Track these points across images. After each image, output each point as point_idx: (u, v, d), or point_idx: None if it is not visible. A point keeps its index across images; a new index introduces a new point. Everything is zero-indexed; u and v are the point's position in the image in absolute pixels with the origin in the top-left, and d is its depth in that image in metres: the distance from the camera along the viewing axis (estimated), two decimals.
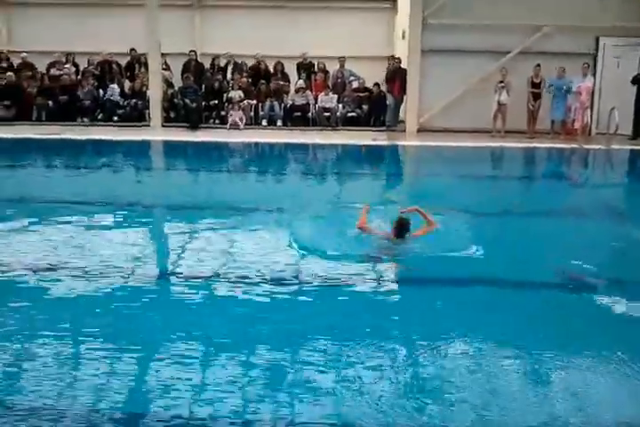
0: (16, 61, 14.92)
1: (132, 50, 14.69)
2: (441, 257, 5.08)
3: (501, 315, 4.05)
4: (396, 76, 13.61)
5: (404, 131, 13.39)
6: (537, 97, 12.99)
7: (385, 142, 12.43)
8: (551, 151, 12.07)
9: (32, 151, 11.80)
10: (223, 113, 13.88)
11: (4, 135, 12.42)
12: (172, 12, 14.97)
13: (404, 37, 14.24)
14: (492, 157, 12.14)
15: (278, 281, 4.52)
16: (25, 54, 14.74)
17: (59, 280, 4.57)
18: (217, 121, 13.96)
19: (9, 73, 14.05)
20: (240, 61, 14.82)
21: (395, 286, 4.71)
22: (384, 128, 13.52)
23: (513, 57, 13.32)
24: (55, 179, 9.23)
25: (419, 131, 13.35)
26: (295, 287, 4.49)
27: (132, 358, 3.43)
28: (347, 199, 7.33)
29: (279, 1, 15.94)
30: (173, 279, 4.74)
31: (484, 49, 13.26)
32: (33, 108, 13.84)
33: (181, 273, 4.80)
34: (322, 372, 3.27)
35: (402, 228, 5.15)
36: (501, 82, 13.01)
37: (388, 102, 13.80)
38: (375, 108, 13.86)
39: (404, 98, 13.62)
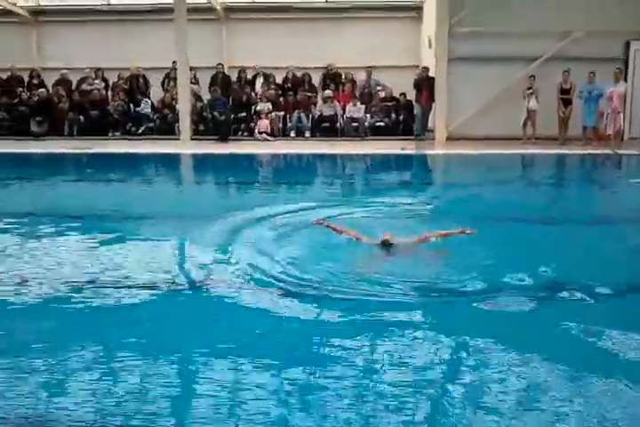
0: (48, 78, 15.22)
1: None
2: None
3: None
4: (424, 84, 13.58)
5: (433, 139, 13.34)
6: (567, 103, 12.85)
7: (414, 151, 12.39)
8: (584, 158, 11.89)
9: (64, 166, 11.99)
10: (252, 125, 13.97)
11: (38, 150, 12.67)
12: (200, 25, 15.15)
13: (430, 46, 14.23)
14: (525, 165, 12.00)
15: None
16: (65, 71, 14.99)
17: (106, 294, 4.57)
18: (246, 133, 14.06)
19: (41, 89, 14.35)
20: (268, 73, 14.92)
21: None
22: (412, 137, 13.48)
23: (542, 63, 13.23)
24: (89, 192, 9.31)
25: (447, 139, 13.29)
26: None
27: None
28: (384, 210, 7.27)
29: (305, 13, 16.07)
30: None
31: (512, 56, 13.17)
32: (65, 123, 14.08)
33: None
34: None
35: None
36: (530, 88, 12.91)
37: (415, 111, 13.78)
38: (403, 117, 13.84)
39: (432, 106, 13.58)
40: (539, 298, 4.20)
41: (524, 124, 13.00)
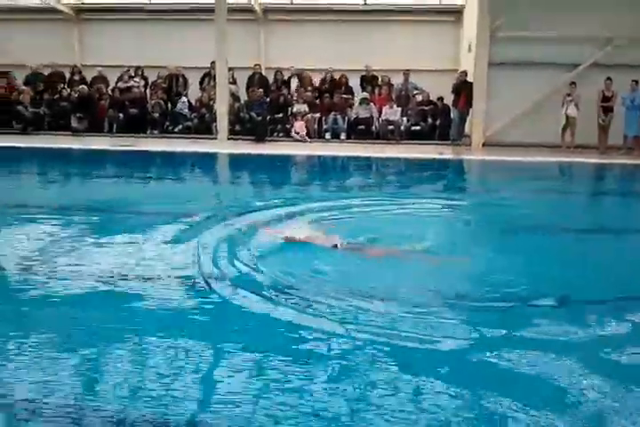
0: (89, 75, 15.47)
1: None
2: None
3: None
4: (462, 89, 13.51)
5: (469, 145, 13.26)
6: (608, 111, 12.69)
7: (451, 156, 12.33)
8: (625, 167, 11.72)
9: (104, 162, 12.17)
10: (288, 126, 14.03)
11: (78, 146, 12.89)
12: (238, 26, 15.24)
13: (470, 50, 14.14)
14: (563, 173, 11.87)
15: None
16: (100, 68, 15.23)
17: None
18: (282, 134, 14.12)
19: (82, 86, 14.58)
20: (304, 75, 14.97)
21: None
22: (448, 142, 13.42)
23: (583, 70, 13.07)
24: (130, 189, 9.45)
25: (484, 145, 13.20)
26: None
27: None
28: (412, 214, 7.27)
29: (343, 15, 16.09)
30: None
31: (553, 62, 13.04)
32: (104, 120, 14.29)
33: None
34: None
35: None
36: (569, 95, 12.77)
37: (452, 116, 13.72)
38: (439, 121, 13.78)
39: (470, 111, 13.51)
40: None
41: (563, 132, 12.86)
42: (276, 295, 4.33)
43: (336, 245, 5.33)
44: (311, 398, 2.99)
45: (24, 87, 14.73)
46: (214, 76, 14.61)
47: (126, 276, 4.75)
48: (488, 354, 3.45)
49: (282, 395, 3.02)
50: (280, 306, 4.12)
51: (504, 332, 3.76)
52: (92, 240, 5.80)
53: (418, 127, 13.76)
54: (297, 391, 3.05)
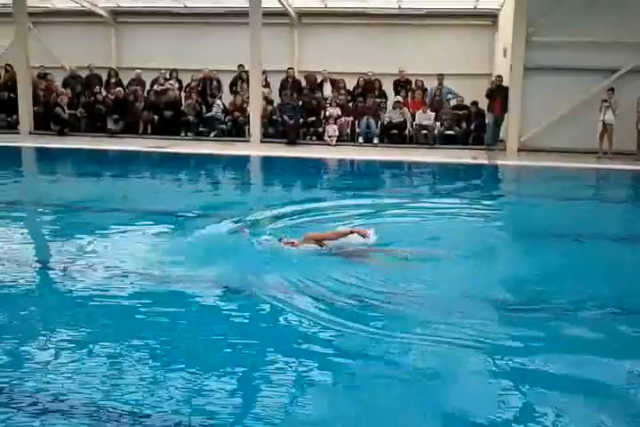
0: (124, 77, 15.67)
1: (240, 66, 15.02)
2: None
3: None
4: (497, 94, 13.39)
5: (504, 150, 13.12)
6: None
7: (485, 162, 12.21)
8: None
9: (141, 163, 12.34)
10: (320, 130, 14.05)
11: (114, 147, 13.08)
12: (273, 29, 15.30)
13: (505, 55, 14.01)
14: (600, 179, 11.67)
15: None
16: (139, 71, 15.43)
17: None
18: (314, 137, 14.15)
19: (118, 89, 14.78)
20: (337, 79, 14.97)
21: None
22: (483, 147, 13.31)
23: (621, 75, 12.85)
24: (165, 191, 9.55)
25: (519, 150, 13.05)
26: None
27: None
28: (443, 219, 7.23)
29: (377, 18, 16.07)
30: None
31: (590, 67, 12.82)
32: (140, 122, 14.46)
33: None
34: None
35: None
36: (606, 101, 12.56)
37: (487, 121, 13.61)
38: (473, 126, 13.67)
39: (505, 116, 13.38)
40: None
41: (601, 138, 12.65)
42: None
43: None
44: None
45: (62, 89, 14.97)
46: (245, 79, 14.76)
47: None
48: None
49: None
50: None
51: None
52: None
53: (451, 132, 13.66)
54: None
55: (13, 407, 2.99)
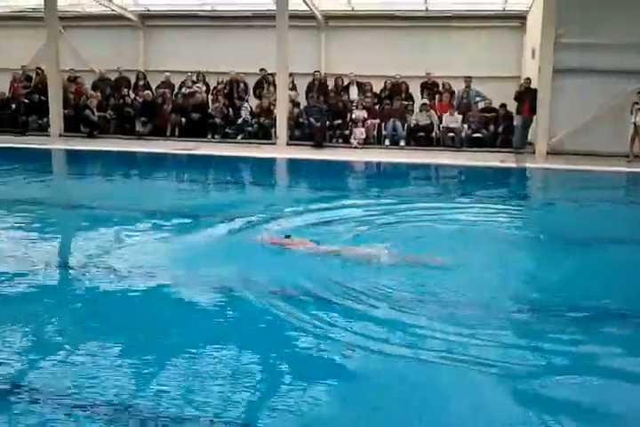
0: (153, 80, 15.82)
1: (262, 69, 15.19)
2: None
3: None
4: (526, 96, 13.25)
5: (533, 153, 12.98)
6: None
7: (513, 165, 12.09)
8: None
9: (170, 165, 12.46)
10: (347, 132, 14.04)
11: (142, 149, 13.21)
12: (299, 32, 15.32)
13: (534, 57, 13.87)
14: (631, 183, 11.49)
15: None
16: (168, 74, 15.56)
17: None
18: (340, 140, 14.14)
19: (147, 91, 14.93)
20: (364, 82, 14.95)
21: None
22: (511, 150, 13.18)
23: None
24: (192, 192, 9.62)
25: (548, 153, 12.90)
26: None
27: None
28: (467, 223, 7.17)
29: (404, 21, 16.02)
30: None
31: (621, 69, 12.61)
32: (167, 124, 14.58)
33: None
34: None
35: None
36: (637, 103, 12.36)
37: (515, 123, 13.48)
38: (501, 129, 13.56)
39: (534, 119, 13.24)
40: None
41: (632, 141, 12.46)
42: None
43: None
44: None
45: (92, 92, 15.16)
46: (271, 82, 14.83)
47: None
48: None
49: None
50: None
51: None
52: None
53: (479, 135, 13.55)
54: None
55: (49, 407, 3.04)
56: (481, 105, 14.06)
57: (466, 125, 13.63)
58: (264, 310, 4.30)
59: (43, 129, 15.05)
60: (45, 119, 15.04)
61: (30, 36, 16.86)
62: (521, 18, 15.69)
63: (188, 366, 3.49)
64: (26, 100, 15.29)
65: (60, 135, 14.67)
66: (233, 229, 6.46)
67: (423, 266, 5.21)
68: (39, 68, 16.02)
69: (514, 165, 12.06)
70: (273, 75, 14.75)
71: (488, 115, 13.75)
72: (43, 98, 15.12)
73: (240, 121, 14.44)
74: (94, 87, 15.60)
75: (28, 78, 16.12)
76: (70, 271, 5.34)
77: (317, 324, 4.04)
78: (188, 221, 7.09)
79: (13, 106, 15.54)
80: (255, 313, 4.27)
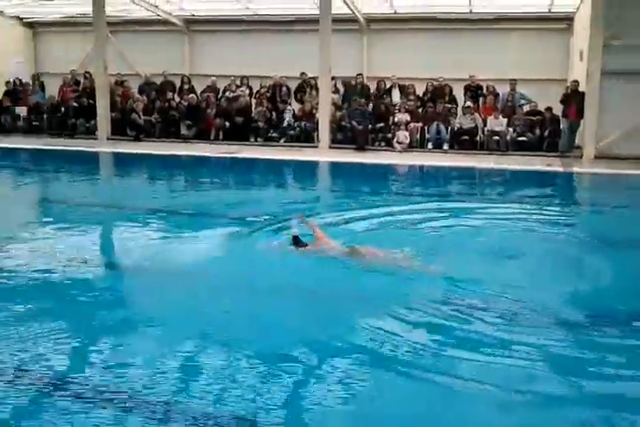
0: (197, 84, 16.03)
1: (303, 73, 15.27)
2: None
3: None
4: (573, 99, 13.02)
5: (580, 157, 12.74)
6: None
7: (560, 169, 11.89)
8: None
9: (213, 168, 12.62)
10: (389, 135, 14.00)
11: (187, 153, 13.40)
12: (341, 35, 15.32)
13: (581, 59, 13.62)
14: None
15: None
16: (214, 78, 15.76)
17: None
18: (383, 143, 14.11)
19: (191, 95, 15.13)
20: (406, 85, 14.89)
21: None
22: (557, 154, 12.96)
23: None
24: (235, 195, 9.72)
25: (596, 157, 12.64)
26: None
27: None
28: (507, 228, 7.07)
29: (448, 23, 15.92)
30: None
31: None
32: (212, 128, 14.75)
33: None
34: None
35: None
36: None
37: (562, 127, 13.25)
38: (548, 132, 13.34)
39: (581, 122, 13.00)
40: None
41: None
42: None
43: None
44: None
45: (138, 96, 15.44)
46: (313, 85, 14.89)
47: None
48: None
49: None
50: None
51: None
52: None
53: (524, 138, 13.35)
54: None
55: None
56: (526, 108, 13.85)
57: (511, 129, 13.44)
58: None
59: (90, 132, 15.38)
60: (93, 122, 15.36)
61: (79, 41, 17.32)
62: (567, 19, 15.42)
63: None
64: (75, 104, 15.66)
65: (108, 138, 14.97)
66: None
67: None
68: (87, 73, 16.38)
69: (560, 169, 11.85)
70: (314, 78, 14.81)
71: (534, 118, 13.54)
72: (91, 101, 15.46)
73: (284, 124, 14.51)
74: (140, 91, 15.88)
75: (77, 82, 16.51)
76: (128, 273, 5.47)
77: None
78: (236, 223, 7.13)
79: (63, 109, 15.91)
80: None
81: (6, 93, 16.62)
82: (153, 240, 6.55)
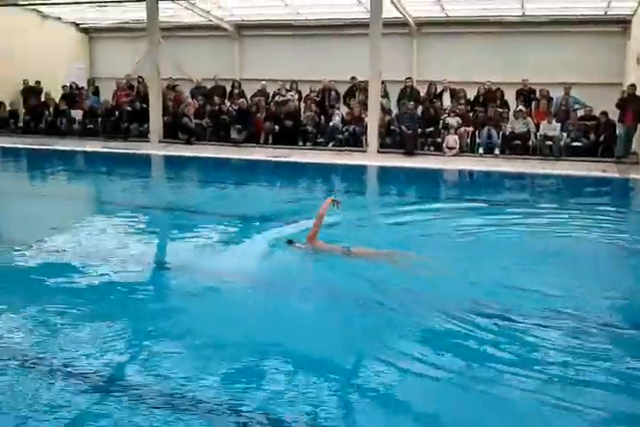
0: (247, 88, 16.21)
1: (353, 77, 15.28)
2: None
3: None
4: (629, 103, 12.68)
5: (637, 163, 12.39)
6: None
7: (616, 175, 11.58)
8: None
9: (263, 172, 12.72)
10: (439, 140, 13.88)
11: (237, 156, 13.55)
12: (391, 39, 15.27)
13: (638, 63, 13.26)
14: None
15: None
16: (264, 82, 15.92)
17: None
18: (432, 148, 13.99)
19: (241, 100, 15.29)
20: (457, 89, 14.75)
21: None
22: (613, 160, 12.63)
23: None
24: (283, 198, 9.76)
25: None
26: None
27: None
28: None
29: (500, 26, 15.72)
30: None
31: None
32: (261, 131, 14.88)
33: None
34: None
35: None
36: None
37: (617, 132, 12.92)
38: (603, 137, 13.02)
39: (638, 127, 12.65)
40: None
41: None
42: None
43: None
44: None
45: (189, 100, 15.68)
46: (362, 89, 14.87)
47: None
48: None
49: None
50: None
51: None
52: None
53: (579, 143, 13.06)
54: None
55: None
56: (580, 113, 13.56)
57: (565, 133, 13.16)
58: None
59: (143, 135, 15.68)
60: (146, 126, 15.67)
61: (132, 47, 17.72)
62: (624, 22, 15.04)
63: None
64: (128, 108, 16.00)
65: (160, 142, 15.24)
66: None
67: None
68: (140, 77, 16.72)
69: (616, 175, 11.55)
70: (364, 82, 14.80)
71: (588, 123, 13.24)
72: (144, 105, 15.76)
73: (331, 128, 14.54)
74: (191, 95, 16.12)
75: (131, 87, 16.87)
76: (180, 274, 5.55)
77: None
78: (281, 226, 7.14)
79: (117, 113, 16.27)
80: None
81: (63, 97, 17.10)
82: (206, 243, 6.62)
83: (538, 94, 14.14)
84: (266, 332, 4.10)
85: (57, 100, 16.95)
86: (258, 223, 7.57)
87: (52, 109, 16.83)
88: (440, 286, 4.94)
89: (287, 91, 15.61)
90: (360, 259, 5.49)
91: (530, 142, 13.34)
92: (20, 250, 5.93)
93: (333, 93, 15.48)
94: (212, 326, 4.20)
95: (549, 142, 13.07)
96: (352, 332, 4.15)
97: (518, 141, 13.31)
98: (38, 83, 17.36)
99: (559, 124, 13.25)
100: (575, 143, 13.06)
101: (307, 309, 4.66)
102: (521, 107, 13.86)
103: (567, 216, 8.19)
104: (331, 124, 14.54)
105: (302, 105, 15.40)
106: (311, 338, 4.03)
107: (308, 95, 15.58)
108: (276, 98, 15.52)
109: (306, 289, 4.98)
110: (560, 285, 5.06)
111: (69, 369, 3.45)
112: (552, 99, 13.95)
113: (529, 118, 13.53)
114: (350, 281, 5.12)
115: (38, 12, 18.09)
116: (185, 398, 3.18)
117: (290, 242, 5.86)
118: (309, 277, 5.44)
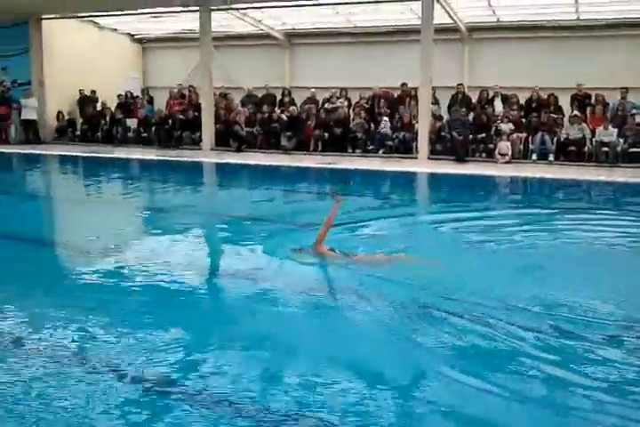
0: (297, 96, 16.35)
1: (403, 84, 15.26)
2: None
3: None
4: None
5: None
6: None
7: None
8: None
9: (312, 179, 12.79)
10: (491, 146, 13.71)
11: (287, 163, 13.66)
12: (441, 45, 15.21)
13: None
14: None
15: None
16: (314, 90, 16.04)
17: None
18: (484, 154, 13.83)
19: (292, 107, 15.44)
20: (509, 94, 14.56)
21: None
22: None
23: None
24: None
25: None
26: None
27: None
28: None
29: (554, 31, 15.46)
30: None
31: None
32: (311, 139, 14.98)
33: None
34: None
35: None
36: None
37: None
38: None
39: None
40: None
41: None
42: None
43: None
44: None
45: (240, 108, 15.91)
46: (412, 96, 14.82)
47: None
48: None
49: None
50: None
51: None
52: None
53: (637, 149, 12.72)
54: None
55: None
56: (638, 118, 13.21)
57: (622, 139, 12.84)
58: None
59: (195, 143, 15.98)
60: (198, 134, 15.96)
61: (184, 56, 18.07)
62: None
63: None
64: (181, 117, 16.33)
65: (212, 149, 15.50)
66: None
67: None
68: (191, 86, 17.05)
69: None
70: (415, 89, 14.75)
71: None
72: (196, 114, 16.07)
73: (380, 135, 14.53)
74: (242, 104, 16.35)
75: (183, 96, 17.22)
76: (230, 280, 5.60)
77: None
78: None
79: (170, 122, 16.63)
80: None
81: (118, 106, 17.58)
82: (255, 249, 6.63)
83: (593, 99, 13.85)
84: (332, 343, 4.08)
85: (113, 109, 17.43)
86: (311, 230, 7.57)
87: (108, 118, 17.32)
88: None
89: (337, 98, 15.68)
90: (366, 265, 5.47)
91: (585, 148, 13.05)
92: (87, 256, 6.09)
93: (383, 100, 15.47)
94: (281, 334, 4.22)
95: (606, 148, 12.77)
96: (415, 345, 4.11)
97: (573, 148, 13.06)
98: (94, 92, 17.90)
99: (616, 130, 12.94)
100: (633, 149, 12.73)
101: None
102: (576, 112, 13.60)
103: (626, 223, 7.96)
104: (380, 130, 14.52)
105: (352, 112, 15.44)
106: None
107: (357, 102, 15.62)
108: (326, 105, 15.61)
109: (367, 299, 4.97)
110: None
111: (139, 375, 3.52)
112: (608, 104, 13.65)
113: (584, 124, 13.25)
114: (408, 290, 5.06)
115: (95, 23, 18.66)
116: (253, 406, 3.21)
117: (297, 250, 5.81)
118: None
